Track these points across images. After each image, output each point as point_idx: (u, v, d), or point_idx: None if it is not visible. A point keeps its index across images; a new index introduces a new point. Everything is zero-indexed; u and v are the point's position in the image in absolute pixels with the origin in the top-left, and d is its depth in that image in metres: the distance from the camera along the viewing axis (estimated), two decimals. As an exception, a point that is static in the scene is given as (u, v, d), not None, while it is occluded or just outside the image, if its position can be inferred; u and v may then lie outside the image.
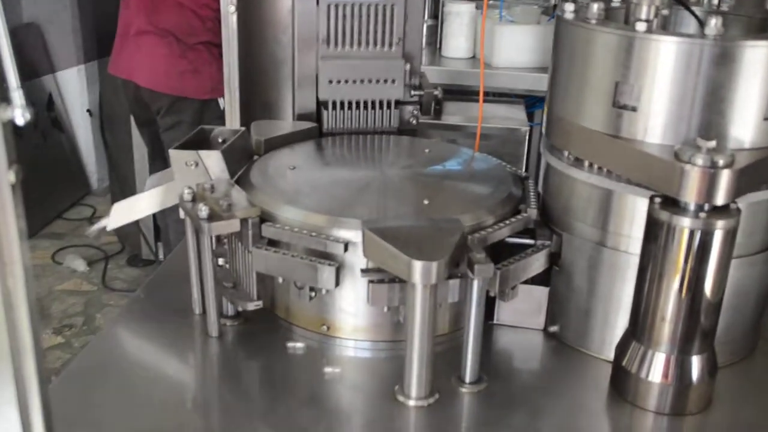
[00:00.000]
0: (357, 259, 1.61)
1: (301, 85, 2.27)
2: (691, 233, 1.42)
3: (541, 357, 1.76)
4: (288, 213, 1.67)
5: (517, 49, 3.68)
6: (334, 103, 2.25)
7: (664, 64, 1.48)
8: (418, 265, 1.39)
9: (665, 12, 1.73)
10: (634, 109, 1.52)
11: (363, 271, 1.61)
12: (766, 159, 1.50)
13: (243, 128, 2.01)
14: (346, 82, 2.24)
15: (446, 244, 1.47)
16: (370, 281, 1.57)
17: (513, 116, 3.46)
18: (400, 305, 1.61)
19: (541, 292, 1.76)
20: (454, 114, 3.40)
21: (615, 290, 1.64)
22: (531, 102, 3.85)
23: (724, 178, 1.38)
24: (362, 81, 2.24)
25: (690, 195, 1.41)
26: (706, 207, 1.40)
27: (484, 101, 3.72)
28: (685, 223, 1.41)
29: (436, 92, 2.34)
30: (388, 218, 1.62)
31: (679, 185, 1.41)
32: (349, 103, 2.25)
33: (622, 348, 1.60)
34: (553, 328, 1.76)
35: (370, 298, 1.59)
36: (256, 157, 1.97)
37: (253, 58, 2.42)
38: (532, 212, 1.75)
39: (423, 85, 2.35)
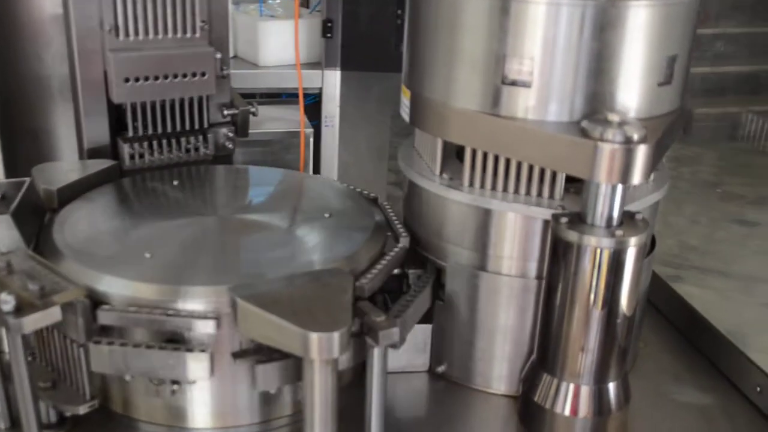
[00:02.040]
0: (226, 336, 1.28)
1: (89, 112, 1.80)
2: (603, 252, 1.27)
3: (429, 401, 1.56)
4: (124, 288, 1.29)
5: (281, 45, 3.39)
6: (134, 116, 1.81)
7: (560, 31, 1.27)
8: (315, 339, 1.11)
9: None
10: (526, 85, 1.30)
11: (235, 355, 1.28)
12: (670, 128, 1.35)
13: (27, 179, 1.55)
14: (146, 79, 1.77)
15: (341, 306, 1.17)
16: (259, 361, 1.23)
17: (291, 119, 3.19)
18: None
19: (424, 331, 1.56)
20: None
21: (499, 318, 1.48)
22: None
23: (641, 153, 1.22)
24: (166, 77, 1.79)
25: (605, 175, 1.23)
26: (615, 221, 1.29)
27: (260, 103, 3.47)
28: (597, 242, 1.28)
29: (252, 110, 1.98)
30: (255, 279, 1.28)
31: (592, 165, 1.23)
32: (153, 113, 1.82)
33: (530, 381, 1.41)
34: (440, 368, 1.58)
35: (258, 382, 1.24)
36: (49, 213, 1.54)
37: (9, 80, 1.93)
38: (405, 241, 1.50)
39: (236, 102, 1.98)
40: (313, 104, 3.67)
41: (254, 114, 1.98)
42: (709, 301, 2.65)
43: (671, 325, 1.81)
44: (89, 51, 1.75)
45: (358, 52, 3.35)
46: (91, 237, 1.44)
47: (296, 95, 3.56)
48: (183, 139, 1.85)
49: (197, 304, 1.26)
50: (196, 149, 1.87)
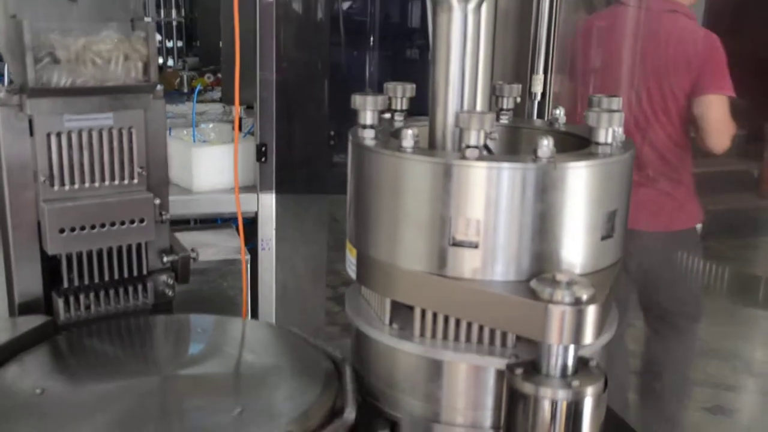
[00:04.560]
0: None
1: (20, 259, 1.74)
2: (560, 404, 1.25)
3: None
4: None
5: (216, 170, 3.39)
6: (69, 267, 1.76)
7: (505, 194, 1.29)
8: None
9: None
10: (474, 246, 1.30)
11: None
12: (615, 280, 1.38)
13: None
14: (83, 228, 1.73)
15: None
16: None
17: (228, 244, 3.17)
18: None
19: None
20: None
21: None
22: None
23: (592, 313, 1.23)
24: (103, 225, 1.75)
25: (556, 336, 1.24)
26: (570, 369, 1.28)
27: (191, 229, 3.43)
28: (553, 394, 1.26)
29: (193, 255, 1.94)
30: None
31: (543, 327, 1.24)
32: (90, 262, 1.77)
33: None
34: None
35: None
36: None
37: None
38: (350, 416, 1.44)
39: (175, 247, 1.95)
40: (248, 227, 3.66)
41: (195, 259, 1.95)
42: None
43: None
44: (22, 201, 1.72)
45: (292, 175, 3.38)
46: (23, 408, 1.37)
47: (231, 219, 3.55)
48: (121, 289, 1.80)
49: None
50: (135, 298, 1.83)
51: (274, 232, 3.33)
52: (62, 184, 1.73)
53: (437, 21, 1.43)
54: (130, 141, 1.79)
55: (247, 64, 3.31)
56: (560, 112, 1.61)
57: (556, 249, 1.32)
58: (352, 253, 1.48)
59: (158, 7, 6.37)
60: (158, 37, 6.42)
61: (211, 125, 3.59)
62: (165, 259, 1.90)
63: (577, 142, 1.51)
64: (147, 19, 1.75)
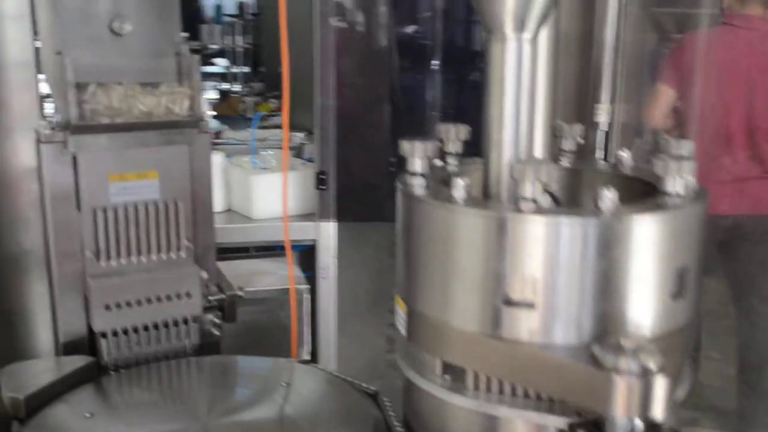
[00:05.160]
0: None
1: (64, 298, 1.70)
2: None
3: None
4: None
5: (276, 198, 3.35)
6: (115, 332, 1.71)
7: (565, 249, 1.19)
8: None
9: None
10: (530, 306, 1.21)
11: None
12: (687, 344, 1.26)
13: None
14: (129, 305, 1.69)
15: None
16: None
17: (286, 273, 3.11)
18: None
19: None
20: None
21: None
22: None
23: (661, 386, 1.12)
24: (149, 301, 1.71)
25: (622, 409, 1.12)
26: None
27: (247, 258, 3.39)
28: None
29: (240, 293, 1.89)
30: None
31: (607, 399, 1.12)
32: (135, 330, 1.73)
33: None
34: None
35: None
36: (16, 424, 1.45)
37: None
38: None
39: (222, 285, 1.89)
40: (308, 256, 3.60)
41: (242, 297, 1.89)
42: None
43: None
44: (69, 273, 1.69)
45: (352, 203, 3.31)
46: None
47: (293, 248, 3.50)
48: (165, 330, 1.75)
49: None
50: (180, 340, 1.77)
51: (334, 260, 3.27)
52: (108, 258, 1.71)
53: (491, 52, 1.34)
54: (176, 212, 1.75)
55: (308, 90, 3.27)
56: (627, 155, 1.50)
57: (622, 309, 1.22)
58: (401, 308, 1.40)
59: (224, 33, 6.41)
60: (225, 63, 6.47)
61: (271, 152, 3.55)
62: (211, 298, 1.84)
63: (645, 189, 1.40)
64: (186, 46, 1.70)
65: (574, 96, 2.26)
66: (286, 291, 3.00)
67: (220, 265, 3.11)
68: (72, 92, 1.58)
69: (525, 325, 1.23)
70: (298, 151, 3.88)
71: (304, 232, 3.34)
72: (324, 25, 3.23)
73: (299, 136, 3.97)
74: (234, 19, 6.73)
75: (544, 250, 1.19)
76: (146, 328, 1.72)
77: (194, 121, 1.72)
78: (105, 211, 1.68)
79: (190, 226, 1.77)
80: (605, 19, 2.24)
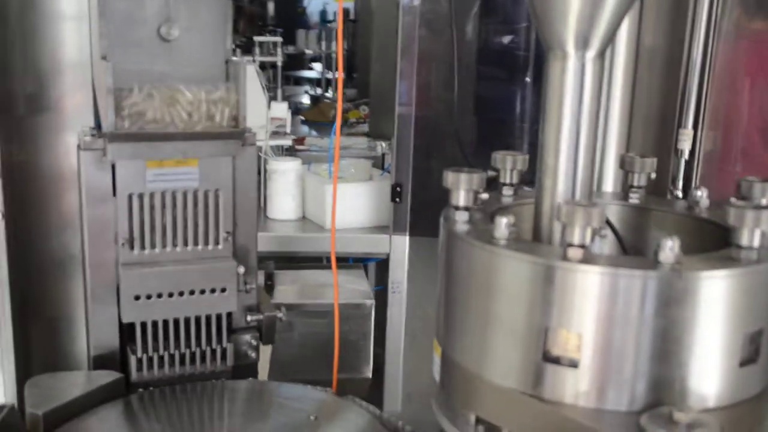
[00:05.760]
0: None
1: (97, 310, 1.64)
2: None
3: None
4: None
5: (350, 208, 3.27)
6: (144, 331, 1.64)
7: (615, 304, 1.06)
8: None
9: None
10: (573, 365, 1.07)
11: None
12: (756, 417, 1.10)
13: (9, 404, 1.40)
14: (159, 296, 1.61)
15: None
16: None
17: (354, 286, 3.05)
18: None
19: None
20: (288, 287, 2.97)
21: None
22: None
23: (718, 470, 0.97)
24: (181, 293, 1.63)
25: None
26: None
27: (317, 269, 3.33)
28: None
29: (279, 314, 1.80)
30: None
31: None
32: (165, 328, 1.65)
33: None
34: None
35: None
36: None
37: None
38: None
39: (262, 305, 1.80)
40: (380, 269, 3.51)
41: (281, 320, 1.79)
42: None
43: None
44: (102, 262, 1.61)
45: (427, 218, 3.19)
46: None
47: (364, 260, 3.42)
48: (198, 350, 1.67)
49: None
50: (213, 361, 1.69)
51: (405, 275, 3.16)
52: (142, 247, 1.62)
53: (549, 72, 1.21)
54: (216, 203, 1.65)
55: (394, 98, 3.18)
56: (702, 194, 1.34)
57: (680, 376, 1.08)
58: (437, 352, 1.28)
59: (320, 39, 6.40)
60: (318, 68, 6.45)
61: (350, 161, 3.47)
62: (249, 318, 1.75)
63: (722, 235, 1.24)
64: (238, 59, 1.62)
65: (657, 120, 2.08)
66: (354, 305, 2.93)
67: (294, 275, 3.08)
68: (110, 99, 1.52)
69: (568, 387, 1.10)
70: (379, 161, 3.80)
71: (377, 244, 3.26)
72: (407, 33, 3.13)
73: (382, 146, 3.89)
74: (331, 25, 6.74)
75: (591, 303, 1.06)
76: (177, 330, 1.64)
77: (238, 133, 1.63)
78: (141, 197, 1.60)
79: (231, 218, 1.67)
80: (695, 33, 2.06)
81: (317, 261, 3.42)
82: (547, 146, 1.21)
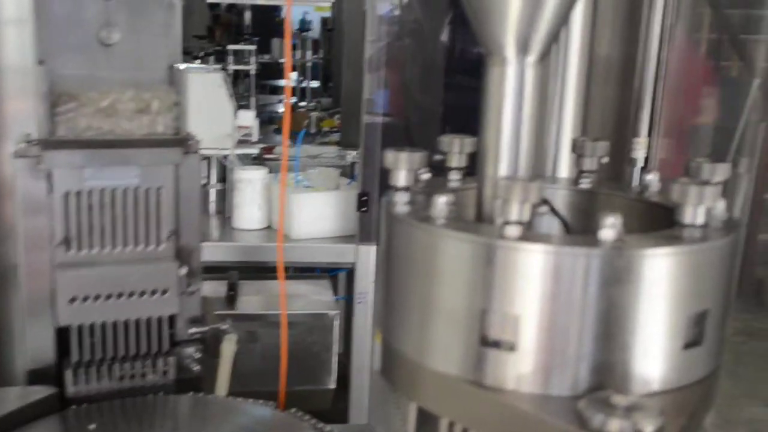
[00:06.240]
0: None
1: (32, 323, 1.59)
2: None
3: None
4: None
5: (317, 218, 3.23)
6: (80, 337, 1.58)
7: (554, 284, 1.01)
8: None
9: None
10: (513, 349, 1.03)
11: None
12: (702, 401, 1.06)
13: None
14: (97, 298, 1.56)
15: None
16: None
17: (318, 297, 3.01)
18: None
19: None
20: (251, 298, 2.90)
21: None
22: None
23: (658, 458, 0.93)
24: (120, 295, 1.58)
25: None
26: None
27: (291, 278, 3.27)
28: None
29: (224, 327, 1.74)
30: None
31: None
32: (103, 333, 1.59)
33: None
34: None
35: None
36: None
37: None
38: None
39: (206, 317, 1.75)
40: (346, 279, 3.47)
41: (225, 332, 1.74)
42: None
43: None
44: (38, 272, 1.56)
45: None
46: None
47: (330, 270, 3.38)
48: (138, 363, 1.61)
49: None
50: (154, 374, 1.63)
51: (372, 285, 3.12)
52: (79, 248, 1.57)
53: (489, 77, 1.18)
54: (158, 202, 1.60)
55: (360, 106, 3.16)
56: (654, 177, 1.31)
57: (622, 359, 1.03)
58: (377, 340, 1.23)
59: (295, 47, 6.39)
60: (294, 77, 6.43)
61: (318, 170, 3.43)
62: (192, 330, 1.69)
63: (671, 217, 1.21)
64: (182, 66, 1.58)
65: (611, 130, 2.05)
66: (317, 316, 2.89)
67: (259, 285, 3.02)
68: (46, 105, 1.47)
69: (509, 372, 1.05)
70: (348, 170, 3.78)
71: (343, 254, 3.22)
72: (374, 41, 3.11)
73: (352, 155, 3.87)
74: (307, 34, 6.74)
75: (529, 283, 1.02)
76: (115, 330, 1.58)
77: (179, 141, 1.59)
78: (79, 195, 1.55)
79: (172, 217, 1.62)
80: (648, 42, 2.04)
81: (285, 271, 3.37)
82: (487, 155, 1.18)
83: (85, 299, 1.55)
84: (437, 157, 1.34)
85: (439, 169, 1.36)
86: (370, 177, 3.09)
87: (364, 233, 3.10)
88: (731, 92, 3.77)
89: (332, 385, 2.84)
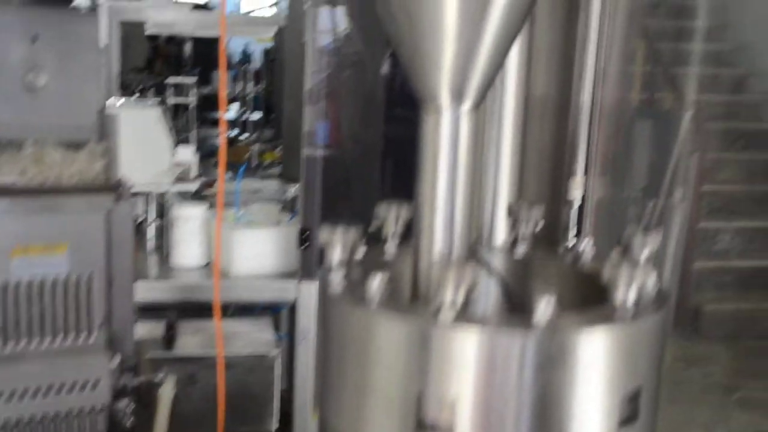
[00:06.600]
0: None
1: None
2: None
3: None
4: None
5: (257, 254, 3.19)
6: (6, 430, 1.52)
7: (489, 366, 1.01)
8: None
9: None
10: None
11: None
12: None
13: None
14: (22, 396, 1.50)
15: None
16: None
17: (259, 337, 2.97)
18: None
19: None
20: (191, 339, 2.84)
21: None
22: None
23: None
24: (49, 389, 1.53)
25: None
26: None
27: (224, 318, 3.23)
28: None
29: (157, 379, 1.70)
30: None
31: None
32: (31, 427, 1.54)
33: None
34: None
35: None
36: None
37: None
38: None
39: (141, 368, 1.71)
40: (287, 317, 3.43)
41: (160, 384, 1.70)
42: None
43: None
44: None
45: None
46: None
47: (271, 308, 3.34)
48: (66, 423, 1.56)
49: None
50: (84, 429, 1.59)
51: (314, 323, 3.09)
52: (5, 342, 1.52)
53: (424, 126, 1.16)
54: (89, 289, 1.56)
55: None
56: (586, 245, 1.32)
57: (555, 439, 1.03)
58: (313, 417, 1.21)
59: (235, 79, 6.33)
60: (234, 108, 6.36)
61: (258, 206, 3.40)
62: (126, 383, 1.65)
63: (603, 289, 1.21)
64: (118, 102, 1.55)
65: (548, 169, 2.06)
66: (258, 357, 2.84)
67: (198, 325, 2.96)
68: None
69: (446, 455, 1.04)
70: (290, 204, 3.74)
71: (284, 291, 3.18)
72: (314, 73, 3.09)
73: (293, 189, 3.83)
74: (247, 65, 6.67)
75: (464, 366, 1.01)
76: (43, 422, 1.53)
77: (111, 186, 1.55)
78: (5, 288, 1.50)
79: (104, 304, 1.58)
80: (582, 80, 2.06)
81: (223, 310, 3.32)
82: (423, 203, 1.17)
83: (11, 396, 1.51)
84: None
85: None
86: (311, 212, 3.06)
87: (305, 270, 3.07)
88: (665, 124, 3.87)
89: (272, 428, 2.80)
